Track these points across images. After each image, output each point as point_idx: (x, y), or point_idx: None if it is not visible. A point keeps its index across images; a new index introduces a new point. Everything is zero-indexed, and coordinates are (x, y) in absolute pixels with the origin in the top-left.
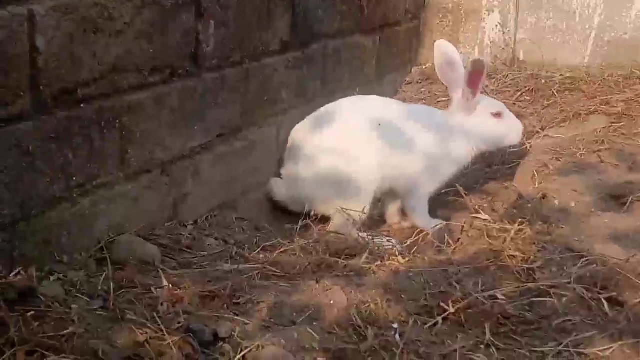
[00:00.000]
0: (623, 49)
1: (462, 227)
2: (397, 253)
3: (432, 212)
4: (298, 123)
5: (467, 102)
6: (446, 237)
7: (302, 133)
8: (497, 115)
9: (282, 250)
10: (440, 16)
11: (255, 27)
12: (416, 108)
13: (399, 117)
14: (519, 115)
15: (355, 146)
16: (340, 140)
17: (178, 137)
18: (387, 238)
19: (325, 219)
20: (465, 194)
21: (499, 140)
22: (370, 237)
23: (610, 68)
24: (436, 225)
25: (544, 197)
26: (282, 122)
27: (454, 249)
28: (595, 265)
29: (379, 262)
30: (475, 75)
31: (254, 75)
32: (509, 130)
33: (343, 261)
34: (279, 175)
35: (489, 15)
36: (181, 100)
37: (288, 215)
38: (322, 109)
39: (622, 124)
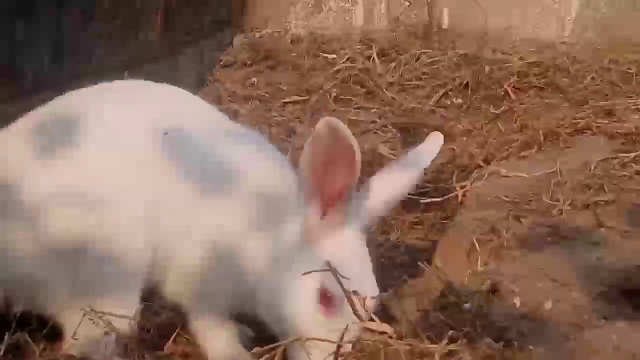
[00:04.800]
0: (634, 11)
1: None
2: None
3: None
4: None
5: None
6: None
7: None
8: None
9: None
10: None
11: None
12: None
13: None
14: (444, 135)
15: (113, 185)
16: (82, 174)
17: None
18: None
19: (58, 332)
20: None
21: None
22: None
23: (611, 47)
24: None
25: (493, 290)
26: None
27: None
28: None
29: None
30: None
31: None
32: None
33: None
34: None
35: None
36: None
37: None
38: (47, 107)
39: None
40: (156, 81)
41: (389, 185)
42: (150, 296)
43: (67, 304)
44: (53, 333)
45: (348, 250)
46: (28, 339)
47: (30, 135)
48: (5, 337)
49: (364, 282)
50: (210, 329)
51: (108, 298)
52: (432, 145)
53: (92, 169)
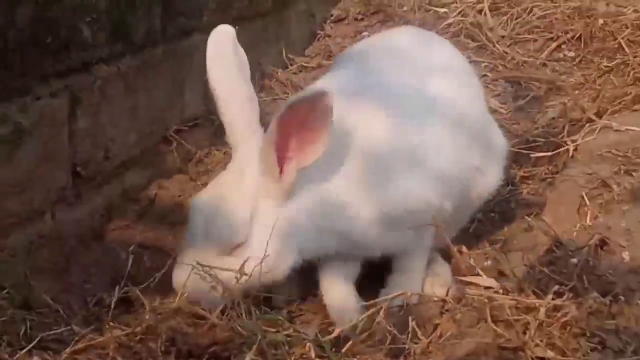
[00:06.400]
0: None
1: (444, 301)
2: (312, 354)
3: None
4: None
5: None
6: (411, 322)
7: None
8: None
9: (78, 347)
10: None
11: None
12: None
13: None
14: (553, 88)
15: None
16: None
17: None
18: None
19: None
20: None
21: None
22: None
23: None
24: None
25: (602, 245)
26: (81, 87)
27: (428, 345)
28: None
29: None
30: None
31: None
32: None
33: None
34: None
35: None
36: None
37: (96, 276)
38: None
39: None
40: (267, 37)
41: None
42: None
43: None
44: (162, 288)
45: None
46: (138, 292)
47: None
48: (116, 290)
49: None
50: (333, 280)
51: None
52: None
53: None
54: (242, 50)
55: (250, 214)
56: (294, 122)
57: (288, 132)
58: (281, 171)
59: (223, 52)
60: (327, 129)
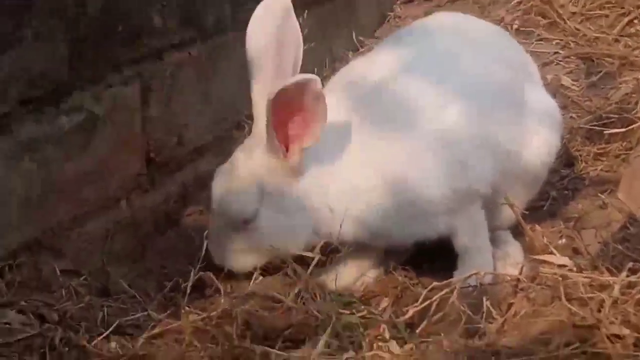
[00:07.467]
0: None
1: (517, 280)
2: (387, 335)
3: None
4: None
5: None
6: (485, 302)
7: None
8: None
9: (155, 332)
10: None
11: None
12: None
13: None
14: (626, 64)
15: None
16: None
17: None
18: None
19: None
20: (521, 212)
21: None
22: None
23: None
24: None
25: None
26: (153, 74)
27: (502, 324)
28: None
29: (351, 354)
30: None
31: None
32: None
33: (281, 353)
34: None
35: None
36: None
37: (172, 262)
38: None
39: None
40: (336, 20)
41: None
42: None
43: None
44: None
45: None
46: (213, 277)
47: None
48: (191, 275)
49: None
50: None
51: None
52: None
53: None
54: (295, 24)
55: (257, 191)
56: (289, 104)
57: (285, 113)
58: (287, 150)
59: (268, 22)
60: (319, 112)
